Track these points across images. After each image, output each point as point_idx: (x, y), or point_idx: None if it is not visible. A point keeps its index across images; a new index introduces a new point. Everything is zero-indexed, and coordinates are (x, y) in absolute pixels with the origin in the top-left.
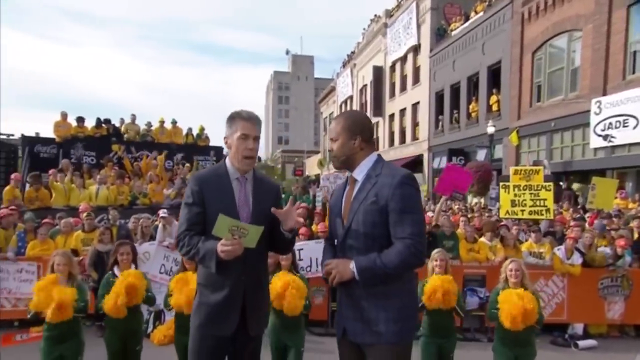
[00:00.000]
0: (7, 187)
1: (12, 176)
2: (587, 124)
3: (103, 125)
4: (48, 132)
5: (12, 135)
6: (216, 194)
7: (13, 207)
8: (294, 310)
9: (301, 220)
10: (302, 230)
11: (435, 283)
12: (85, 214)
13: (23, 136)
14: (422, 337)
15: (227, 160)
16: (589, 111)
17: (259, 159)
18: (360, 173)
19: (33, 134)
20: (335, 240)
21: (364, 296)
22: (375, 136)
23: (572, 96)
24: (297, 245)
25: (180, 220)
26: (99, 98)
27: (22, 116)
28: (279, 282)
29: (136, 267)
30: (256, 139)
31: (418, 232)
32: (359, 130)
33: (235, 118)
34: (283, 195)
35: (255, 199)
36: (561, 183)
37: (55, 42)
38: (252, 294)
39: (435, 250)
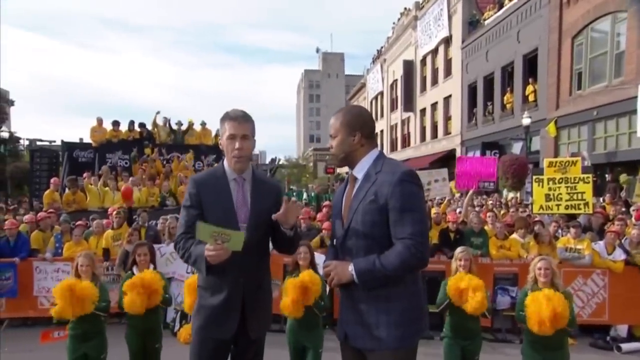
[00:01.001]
0: (47, 191)
1: (52, 180)
2: (634, 111)
3: (136, 129)
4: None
5: (54, 141)
6: (214, 195)
7: (52, 210)
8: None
9: (299, 214)
10: (326, 224)
11: (461, 283)
12: (115, 212)
13: (62, 142)
14: (445, 339)
15: (225, 162)
16: (635, 97)
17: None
18: (360, 171)
19: (77, 140)
20: (335, 241)
21: (364, 299)
22: (406, 132)
23: (616, 82)
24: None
25: (178, 224)
26: (135, 102)
27: (67, 123)
28: (290, 287)
29: (155, 267)
30: (244, 137)
31: (419, 232)
32: (358, 126)
33: (224, 119)
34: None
35: (253, 199)
36: (606, 175)
37: (95, 51)
38: (252, 296)
39: (459, 249)
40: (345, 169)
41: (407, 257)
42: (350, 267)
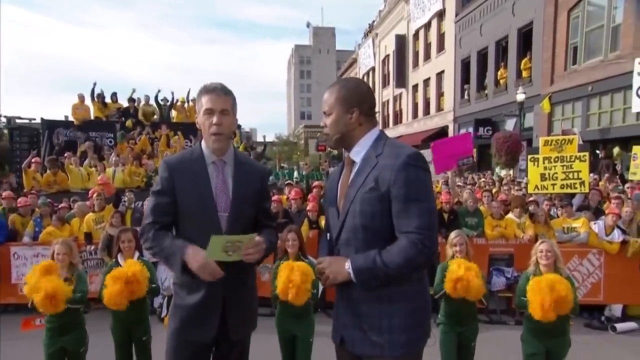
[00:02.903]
0: (28, 171)
1: (32, 160)
2: (629, 87)
3: (120, 101)
4: None
5: (34, 119)
6: (189, 180)
7: (34, 192)
8: (299, 302)
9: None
10: (310, 205)
11: (459, 271)
12: (95, 195)
13: (42, 120)
14: (440, 325)
15: (203, 143)
16: (631, 72)
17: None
18: (358, 153)
19: (62, 118)
20: (328, 235)
21: (363, 300)
22: (398, 109)
23: (612, 56)
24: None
25: (146, 211)
26: (124, 79)
27: (52, 101)
28: (282, 276)
29: (141, 254)
30: (224, 112)
31: (426, 225)
32: (356, 102)
33: (200, 93)
34: (300, 173)
35: (236, 185)
36: (597, 151)
37: (82, 26)
38: (234, 294)
39: (454, 234)
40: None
41: (413, 254)
42: (347, 265)
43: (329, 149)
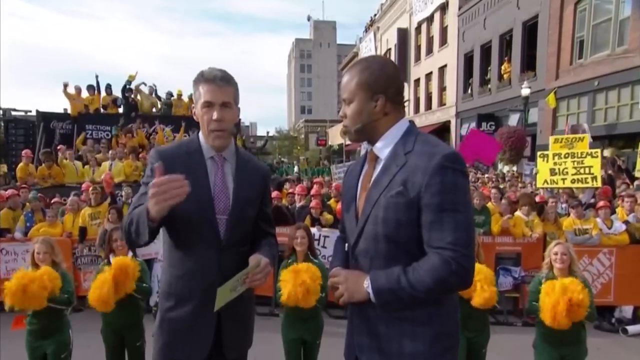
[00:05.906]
0: (20, 165)
1: (23, 153)
2: (637, 81)
3: (114, 93)
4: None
5: (30, 111)
6: (185, 176)
7: (24, 185)
8: (307, 305)
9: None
10: (313, 203)
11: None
12: (91, 188)
13: (38, 112)
14: None
15: (200, 135)
16: (639, 67)
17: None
18: (384, 148)
19: (61, 111)
20: (346, 240)
21: (383, 320)
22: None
23: (619, 51)
24: (324, 231)
25: (131, 205)
26: (121, 71)
27: (49, 93)
28: (289, 281)
29: (134, 254)
30: (225, 105)
31: (463, 241)
32: (382, 87)
33: (197, 81)
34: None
35: (237, 185)
36: (600, 148)
37: (78, 17)
38: (231, 307)
39: None
40: (338, 140)
41: (446, 274)
42: (366, 283)
43: (329, 144)
